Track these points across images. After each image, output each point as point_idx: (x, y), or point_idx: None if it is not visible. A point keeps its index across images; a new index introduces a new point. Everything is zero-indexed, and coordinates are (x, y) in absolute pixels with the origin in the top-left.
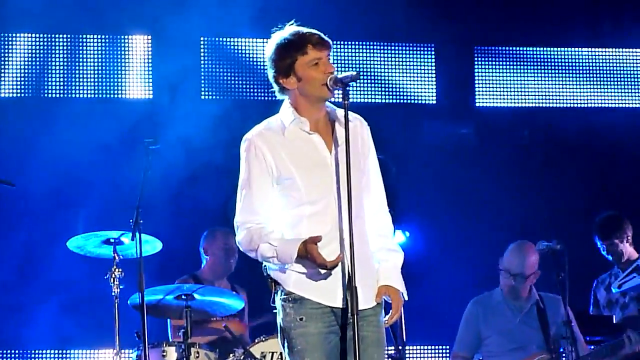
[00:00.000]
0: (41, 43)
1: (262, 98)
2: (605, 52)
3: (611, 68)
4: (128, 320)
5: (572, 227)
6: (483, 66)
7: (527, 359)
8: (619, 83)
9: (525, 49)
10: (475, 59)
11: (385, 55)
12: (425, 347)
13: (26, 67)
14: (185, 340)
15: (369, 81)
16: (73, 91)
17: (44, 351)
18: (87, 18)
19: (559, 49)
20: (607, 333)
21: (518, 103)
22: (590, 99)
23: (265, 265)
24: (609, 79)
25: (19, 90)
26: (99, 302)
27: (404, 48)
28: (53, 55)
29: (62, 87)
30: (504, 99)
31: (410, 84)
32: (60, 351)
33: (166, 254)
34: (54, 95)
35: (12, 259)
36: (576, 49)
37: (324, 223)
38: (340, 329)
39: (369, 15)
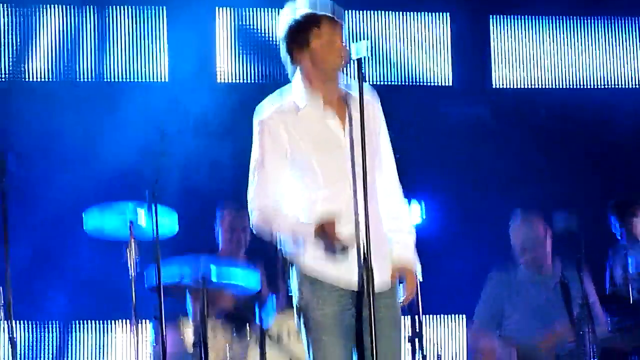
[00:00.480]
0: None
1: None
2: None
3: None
4: (145, 295)
5: (589, 206)
6: (499, 40)
7: (550, 335)
8: (636, 63)
9: (542, 17)
10: (491, 30)
11: (400, 27)
12: (440, 317)
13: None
14: (202, 321)
15: (384, 61)
16: (102, 74)
17: (62, 322)
18: None
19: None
20: (624, 314)
21: (534, 85)
22: (609, 79)
23: (281, 247)
24: (624, 60)
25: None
26: (115, 278)
27: (418, 16)
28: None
29: (75, 70)
30: (520, 80)
31: (426, 65)
32: (77, 321)
33: (183, 234)
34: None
35: (31, 233)
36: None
37: (337, 205)
38: (356, 310)
39: None
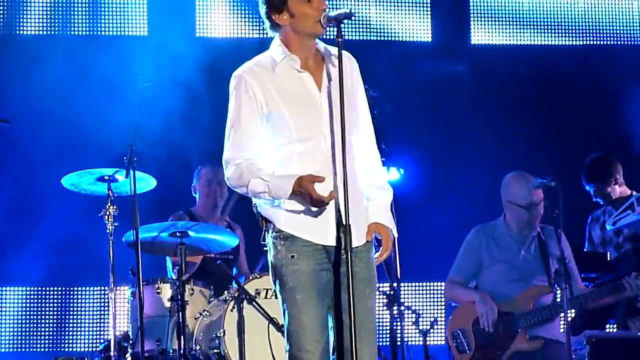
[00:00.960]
0: None
1: (258, 35)
2: None
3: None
4: (123, 258)
5: (567, 163)
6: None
7: (528, 289)
8: (615, 20)
9: None
10: None
11: None
12: (420, 284)
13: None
14: (179, 277)
15: (364, 19)
16: (67, 28)
17: (39, 288)
18: None
19: None
20: (601, 270)
21: (513, 40)
22: (587, 37)
23: (255, 203)
24: (604, 16)
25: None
26: (93, 240)
27: None
28: None
29: (55, 24)
30: (499, 36)
31: (406, 23)
32: (55, 288)
33: (161, 192)
34: (47, 32)
35: (7, 196)
36: None
37: (314, 161)
38: (332, 266)
39: None
